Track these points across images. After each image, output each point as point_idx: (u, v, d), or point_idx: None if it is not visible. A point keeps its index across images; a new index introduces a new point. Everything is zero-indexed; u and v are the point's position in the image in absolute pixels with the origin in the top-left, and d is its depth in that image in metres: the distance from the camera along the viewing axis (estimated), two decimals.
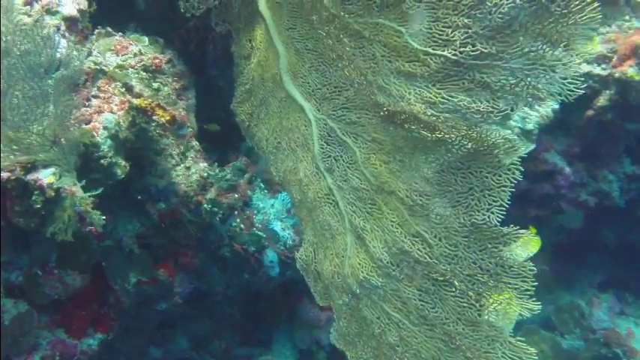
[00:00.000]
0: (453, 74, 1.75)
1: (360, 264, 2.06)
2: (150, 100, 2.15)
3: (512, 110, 1.70)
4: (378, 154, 1.95)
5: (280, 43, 2.11)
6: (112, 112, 2.11)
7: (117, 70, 2.21)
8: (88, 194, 1.82)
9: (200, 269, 2.59)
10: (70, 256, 2.29)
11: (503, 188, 1.77)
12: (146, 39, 2.50)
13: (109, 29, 2.38)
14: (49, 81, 1.85)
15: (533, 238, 1.81)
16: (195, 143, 2.54)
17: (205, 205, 2.40)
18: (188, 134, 2.54)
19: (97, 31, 2.35)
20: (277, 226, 2.50)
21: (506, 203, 1.77)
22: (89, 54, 2.22)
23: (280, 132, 2.24)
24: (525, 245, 1.77)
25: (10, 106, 1.78)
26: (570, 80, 1.62)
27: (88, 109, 2.09)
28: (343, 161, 2.07)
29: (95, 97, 2.15)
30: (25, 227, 1.91)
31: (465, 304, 1.89)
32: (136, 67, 2.24)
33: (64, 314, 2.37)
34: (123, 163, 2.09)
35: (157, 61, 2.30)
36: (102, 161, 2.02)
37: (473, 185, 1.80)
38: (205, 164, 2.47)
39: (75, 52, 1.87)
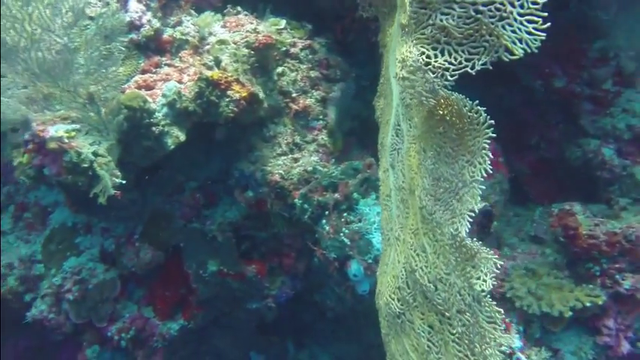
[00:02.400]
0: None
1: (388, 283, 1.64)
2: (228, 74, 2.01)
3: None
4: (414, 145, 1.52)
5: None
6: (180, 81, 2.03)
7: (217, 44, 2.12)
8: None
9: (304, 274, 2.37)
10: (152, 231, 2.28)
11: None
12: (283, 22, 2.38)
13: (239, 9, 2.31)
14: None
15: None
16: (322, 137, 2.33)
17: (296, 200, 2.17)
18: (316, 127, 2.34)
19: (226, 10, 2.31)
20: (377, 237, 2.14)
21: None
22: (178, 24, 2.18)
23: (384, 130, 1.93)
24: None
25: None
26: None
27: (154, 75, 2.04)
28: (397, 153, 1.67)
29: (169, 65, 2.10)
30: (72, 185, 1.94)
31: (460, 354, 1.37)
32: (238, 44, 2.13)
33: (153, 292, 2.38)
34: (176, 133, 1.98)
35: (264, 39, 2.15)
36: (153, 129, 1.95)
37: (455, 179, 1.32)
38: (316, 159, 2.25)
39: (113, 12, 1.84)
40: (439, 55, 1.26)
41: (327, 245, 2.10)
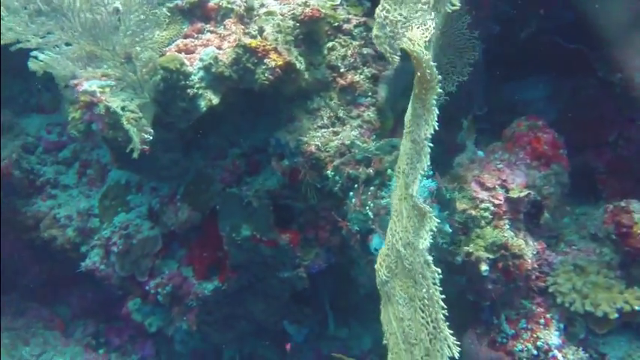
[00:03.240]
0: None
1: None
2: (267, 42, 2.06)
3: None
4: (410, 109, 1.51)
5: None
6: (220, 47, 2.11)
7: (264, 15, 2.18)
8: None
9: (339, 249, 2.39)
10: (192, 193, 2.39)
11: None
12: None
13: None
14: None
15: None
16: (369, 114, 2.34)
17: (329, 172, 2.20)
18: (363, 103, 2.36)
19: None
20: None
21: None
22: None
23: None
24: None
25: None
26: None
27: (195, 40, 2.13)
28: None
29: (211, 32, 2.18)
30: (114, 141, 2.07)
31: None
32: (284, 15, 2.18)
33: (192, 252, 2.48)
34: (210, 97, 2.06)
35: (310, 12, 2.18)
36: (188, 90, 2.04)
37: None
38: (357, 134, 2.26)
39: None
40: (396, 9, 1.25)
41: (351, 217, 2.12)
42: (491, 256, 2.21)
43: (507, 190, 2.33)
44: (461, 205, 2.24)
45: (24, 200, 2.69)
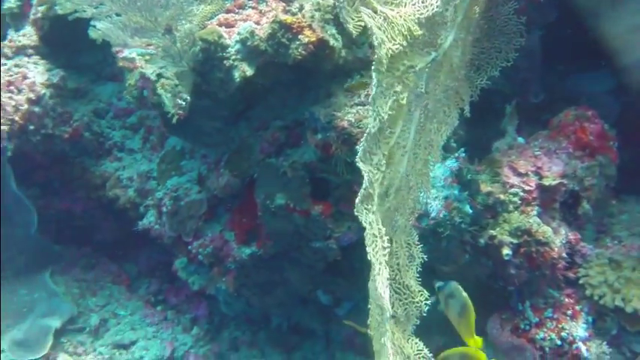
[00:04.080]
0: None
1: None
2: (302, 19, 2.17)
3: None
4: None
5: None
6: (258, 22, 2.25)
7: None
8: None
9: None
10: (235, 160, 2.54)
11: None
12: None
13: None
14: None
15: None
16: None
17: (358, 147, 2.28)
18: None
19: None
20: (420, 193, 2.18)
21: None
22: None
23: None
24: None
25: None
26: None
27: (236, 15, 2.27)
28: None
29: (253, 7, 2.31)
30: (159, 106, 2.25)
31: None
32: None
33: (234, 218, 2.64)
34: (245, 68, 2.19)
35: None
36: (224, 62, 2.18)
37: None
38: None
39: None
40: None
41: None
42: (514, 241, 2.23)
43: (541, 178, 2.34)
44: (487, 188, 2.27)
45: (93, 160, 2.95)
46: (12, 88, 2.69)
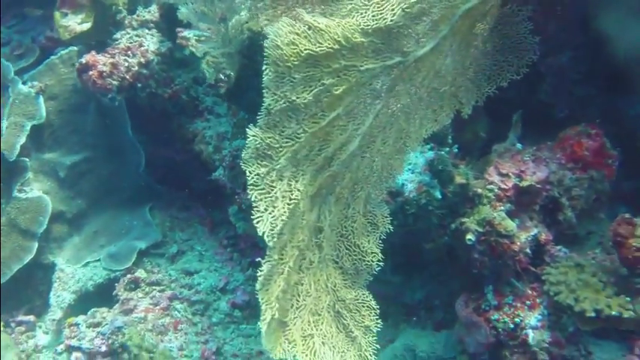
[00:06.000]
0: None
1: None
2: None
3: None
4: None
5: None
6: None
7: None
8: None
9: None
10: None
11: None
12: None
13: None
14: None
15: None
16: None
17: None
18: None
19: None
20: (403, 176, 2.58)
21: None
22: None
23: None
24: None
25: None
26: None
27: None
28: None
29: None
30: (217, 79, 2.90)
31: None
32: None
33: None
34: None
35: None
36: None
37: None
38: None
39: None
40: None
41: None
42: (479, 229, 2.61)
43: (521, 180, 2.68)
44: (461, 180, 2.66)
45: (189, 119, 3.68)
46: (129, 52, 3.49)
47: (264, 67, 1.97)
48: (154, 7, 3.68)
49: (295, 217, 2.13)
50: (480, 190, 2.66)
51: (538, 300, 2.66)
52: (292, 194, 2.08)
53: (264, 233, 1.99)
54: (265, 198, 2.02)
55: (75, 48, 3.95)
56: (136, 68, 3.47)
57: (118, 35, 3.64)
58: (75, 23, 3.72)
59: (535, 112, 3.00)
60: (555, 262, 2.68)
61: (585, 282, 2.57)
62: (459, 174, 2.67)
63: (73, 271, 3.81)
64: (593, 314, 2.49)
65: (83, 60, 3.49)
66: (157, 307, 3.50)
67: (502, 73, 2.78)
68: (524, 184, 2.65)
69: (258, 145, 2.02)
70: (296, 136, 2.06)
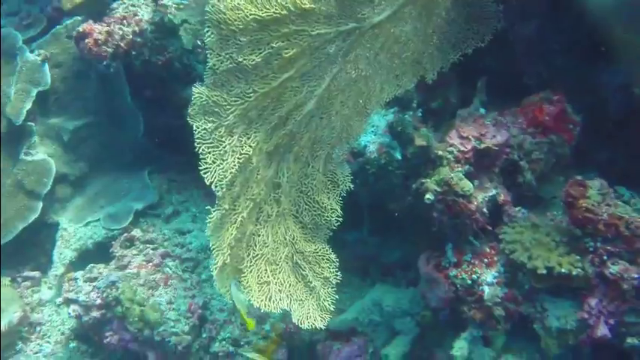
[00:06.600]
0: None
1: None
2: None
3: None
4: None
5: None
6: None
7: None
8: None
9: None
10: None
11: None
12: None
13: None
14: None
15: None
16: None
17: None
18: None
19: None
20: (366, 137, 2.72)
21: None
22: None
23: None
24: None
25: None
26: None
27: None
28: None
29: None
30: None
31: None
32: None
33: None
34: None
35: None
36: None
37: None
38: None
39: None
40: None
41: None
42: (438, 189, 2.74)
43: (480, 143, 2.80)
44: (421, 142, 2.79)
45: (181, 86, 3.86)
46: (124, 21, 3.68)
47: (205, 30, 2.13)
48: None
49: (248, 171, 2.30)
50: (440, 152, 2.79)
51: (496, 258, 2.80)
52: (243, 149, 2.25)
53: (211, 183, 2.16)
54: (214, 151, 2.19)
55: (79, 18, 4.15)
56: (130, 37, 3.65)
57: (114, 5, 3.82)
58: None
59: (508, 79, 3.10)
60: (513, 222, 2.81)
61: (539, 241, 2.70)
62: (420, 136, 2.79)
63: (75, 230, 4.04)
64: (544, 271, 2.62)
65: (80, 28, 3.70)
66: (150, 264, 3.71)
67: (467, 40, 2.90)
68: (483, 146, 2.77)
69: (204, 103, 2.19)
70: (245, 95, 2.23)
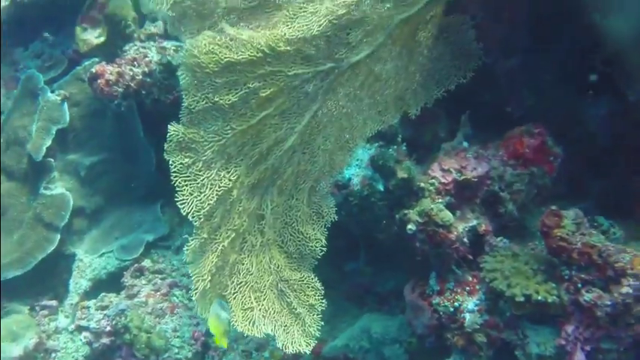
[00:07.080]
0: None
1: None
2: None
3: None
4: None
5: None
6: None
7: None
8: None
9: None
10: None
11: None
12: None
13: None
14: None
15: None
16: None
17: None
18: None
19: None
20: (351, 170, 2.87)
21: None
22: None
23: None
24: None
25: None
26: None
27: None
28: None
29: None
30: None
31: None
32: None
33: None
34: None
35: None
36: None
37: None
38: None
39: None
40: None
41: None
42: (419, 220, 2.87)
43: (461, 175, 2.92)
44: (403, 175, 2.92)
45: None
46: (134, 62, 3.92)
47: (179, 72, 2.32)
48: (159, 22, 4.11)
49: (229, 203, 2.46)
50: (422, 184, 2.92)
51: (477, 286, 2.90)
52: (222, 182, 2.41)
53: (187, 214, 2.33)
54: (191, 184, 2.35)
55: (96, 59, 4.41)
56: (140, 77, 3.89)
57: (127, 47, 4.08)
58: (92, 37, 4.20)
59: (497, 112, 3.21)
60: (494, 252, 2.91)
61: (518, 269, 2.79)
62: (402, 169, 2.93)
63: (90, 261, 4.26)
64: (522, 299, 2.71)
65: (93, 70, 3.95)
66: (158, 293, 3.90)
67: (450, 77, 3.03)
68: (462, 178, 2.90)
69: (180, 139, 2.37)
70: (223, 133, 2.40)
